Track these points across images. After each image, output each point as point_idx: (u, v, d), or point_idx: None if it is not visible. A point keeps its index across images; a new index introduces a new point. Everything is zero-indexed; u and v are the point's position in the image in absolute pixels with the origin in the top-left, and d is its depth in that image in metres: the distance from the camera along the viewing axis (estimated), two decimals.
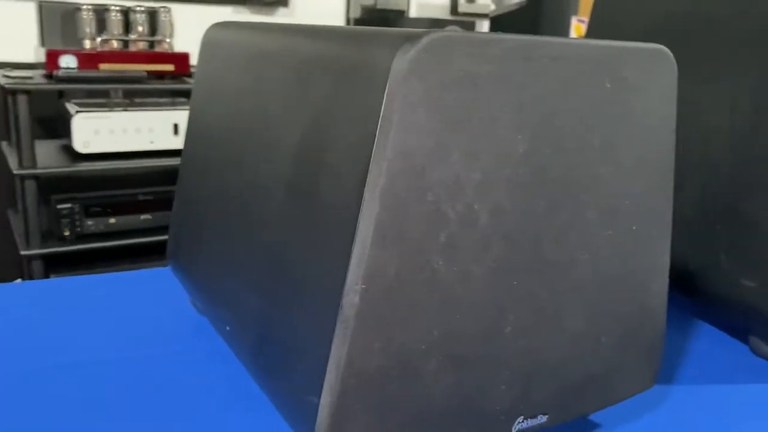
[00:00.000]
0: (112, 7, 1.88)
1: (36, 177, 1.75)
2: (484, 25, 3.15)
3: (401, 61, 0.36)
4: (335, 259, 0.39)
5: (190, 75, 2.04)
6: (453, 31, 0.38)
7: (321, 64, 0.44)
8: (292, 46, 0.49)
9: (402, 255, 0.38)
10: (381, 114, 0.37)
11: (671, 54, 0.46)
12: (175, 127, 1.93)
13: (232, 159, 0.56)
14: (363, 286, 0.38)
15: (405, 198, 0.38)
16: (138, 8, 1.92)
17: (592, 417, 0.57)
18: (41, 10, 1.85)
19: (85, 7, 1.88)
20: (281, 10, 2.75)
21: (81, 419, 0.52)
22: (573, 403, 0.49)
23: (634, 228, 0.48)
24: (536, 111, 0.41)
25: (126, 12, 1.90)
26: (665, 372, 0.65)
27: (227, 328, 0.54)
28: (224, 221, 0.56)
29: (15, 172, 1.71)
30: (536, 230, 0.43)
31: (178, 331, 0.68)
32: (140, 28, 1.96)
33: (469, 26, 2.82)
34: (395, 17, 3.10)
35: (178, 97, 2.06)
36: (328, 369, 0.39)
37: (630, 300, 0.49)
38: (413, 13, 3.12)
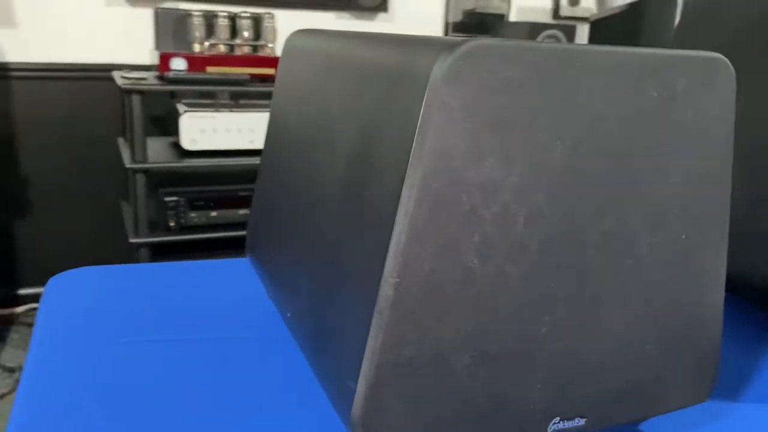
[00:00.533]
0: (220, 14, 2.00)
1: (146, 171, 1.89)
2: (584, 29, 3.08)
3: (440, 68, 0.38)
4: (375, 254, 0.41)
5: None
6: (502, 39, 0.40)
7: (373, 70, 0.47)
8: (353, 53, 0.52)
9: (436, 252, 0.41)
10: (420, 118, 0.39)
11: (729, 63, 0.46)
12: None
13: (300, 159, 0.60)
14: (397, 279, 0.40)
15: (440, 198, 0.40)
16: (244, 14, 2.03)
17: (643, 426, 0.56)
18: (157, 16, 2.00)
19: (195, 13, 2.01)
20: (381, 16, 2.81)
21: (153, 390, 0.57)
22: (614, 409, 0.49)
23: (683, 237, 0.47)
24: (576, 118, 0.42)
25: (233, 18, 2.01)
26: (728, 388, 0.63)
27: (288, 314, 0.58)
28: (292, 217, 0.60)
29: (127, 165, 1.85)
30: (577, 235, 0.44)
31: (252, 317, 0.73)
32: (245, 33, 2.07)
33: (570, 30, 2.76)
34: (494, 21, 3.09)
35: None
36: (365, 357, 0.41)
37: (679, 310, 0.49)
38: (513, 17, 3.10)
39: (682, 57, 0.44)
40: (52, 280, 0.78)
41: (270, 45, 2.15)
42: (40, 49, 2.30)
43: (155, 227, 2.01)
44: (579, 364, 0.46)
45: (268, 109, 2.11)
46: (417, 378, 0.42)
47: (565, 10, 3.14)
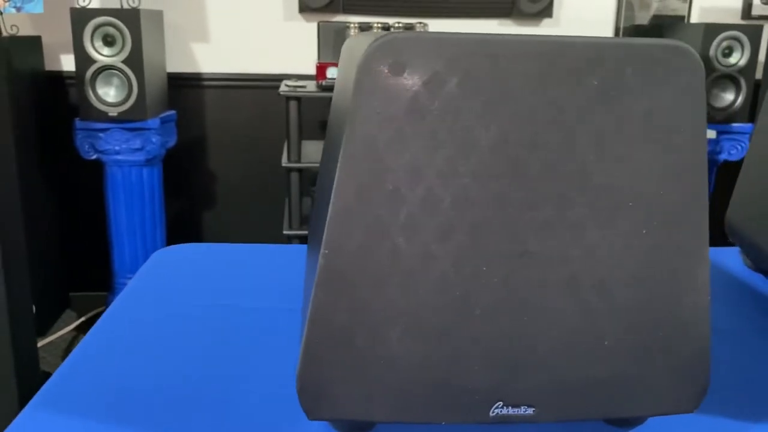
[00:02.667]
0: (375, 25, 2.12)
1: (300, 170, 2.06)
2: None
3: (363, 59, 0.42)
4: (322, 230, 0.46)
5: None
6: (425, 32, 0.43)
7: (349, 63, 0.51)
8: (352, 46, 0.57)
9: (364, 229, 0.44)
10: (350, 106, 0.43)
11: (692, 51, 0.44)
12: None
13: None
14: (326, 251, 0.45)
15: (366, 179, 0.43)
16: (397, 24, 2.13)
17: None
18: (319, 28, 2.17)
19: (352, 25, 2.15)
20: (546, 21, 2.76)
21: (221, 350, 0.67)
22: (569, 403, 0.48)
23: (644, 232, 0.46)
24: (506, 107, 0.43)
25: (387, 28, 2.12)
26: (735, 403, 0.58)
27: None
28: None
29: (283, 164, 2.04)
30: (513, 221, 0.45)
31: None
32: None
33: (755, 31, 2.50)
34: (672, 24, 2.90)
35: None
36: (306, 323, 0.46)
37: (647, 308, 0.47)
38: (696, 18, 2.88)
39: (631, 46, 0.43)
40: (157, 253, 0.92)
41: None
42: (229, 60, 2.60)
43: (305, 221, 2.18)
44: (523, 349, 0.47)
45: None
46: (352, 345, 0.46)
47: (758, 9, 2.84)
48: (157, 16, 2.32)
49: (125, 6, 2.22)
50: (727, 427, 0.55)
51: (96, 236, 2.46)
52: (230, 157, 2.74)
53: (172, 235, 2.52)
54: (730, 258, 0.95)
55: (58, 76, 2.46)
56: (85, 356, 0.64)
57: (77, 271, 2.62)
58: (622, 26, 2.91)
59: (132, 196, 2.27)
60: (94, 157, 2.24)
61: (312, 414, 0.47)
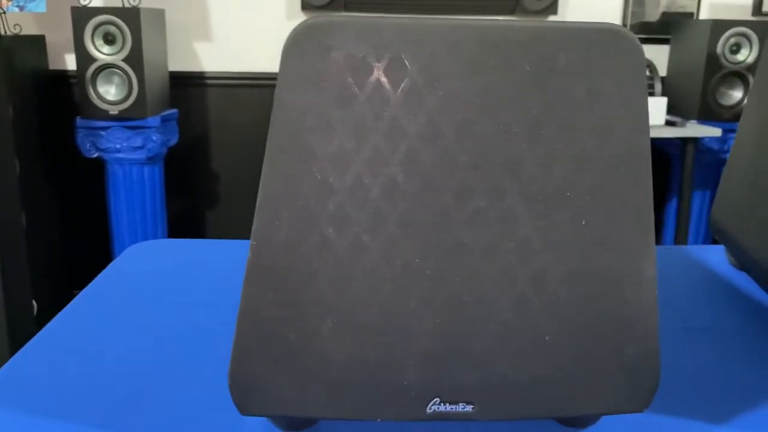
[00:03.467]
0: None
1: None
2: None
3: (287, 43, 0.41)
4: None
5: None
6: (348, 15, 0.42)
7: None
8: None
9: (292, 219, 0.43)
10: (275, 93, 0.42)
11: (630, 34, 0.42)
12: None
13: None
14: (254, 243, 0.43)
15: (293, 168, 0.42)
16: None
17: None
18: None
19: None
20: (551, 18, 2.74)
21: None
22: (510, 401, 0.47)
23: (582, 223, 0.44)
24: (433, 93, 0.42)
25: None
26: (694, 403, 0.56)
27: None
28: None
29: None
30: (444, 212, 0.43)
31: None
32: None
33: (765, 27, 2.46)
34: (680, 21, 2.86)
35: None
36: (239, 313, 0.45)
37: (589, 304, 0.45)
38: (705, 15, 2.83)
39: (564, 30, 0.42)
40: (130, 248, 0.91)
41: None
42: (231, 59, 2.60)
43: None
44: (459, 344, 0.45)
45: None
46: (283, 340, 0.45)
47: None
48: (159, 14, 2.33)
49: (126, 5, 2.23)
50: (698, 428, 0.53)
51: (97, 234, 2.48)
52: (233, 155, 2.74)
53: (173, 234, 2.53)
54: (715, 256, 0.92)
55: (62, 75, 2.48)
56: (36, 349, 0.63)
57: (78, 269, 2.64)
58: (629, 23, 2.88)
59: (133, 194, 2.28)
60: (95, 155, 2.25)
61: (244, 409, 0.46)
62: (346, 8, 2.57)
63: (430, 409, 0.46)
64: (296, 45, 0.41)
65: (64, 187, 2.55)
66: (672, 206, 2.64)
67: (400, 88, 0.41)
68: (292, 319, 0.44)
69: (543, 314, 0.45)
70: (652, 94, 2.27)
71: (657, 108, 2.28)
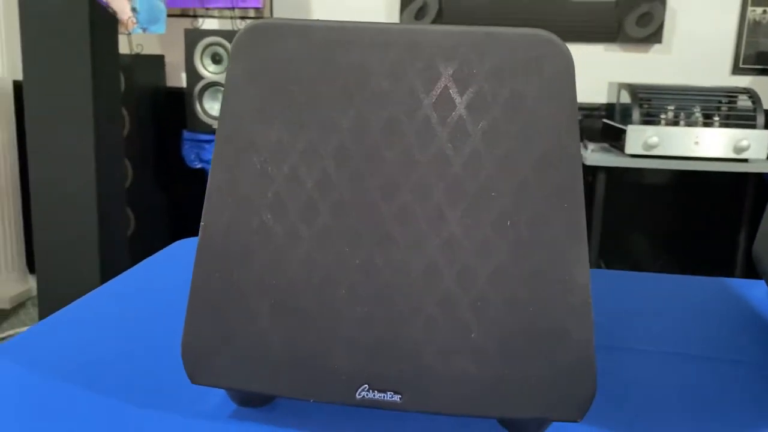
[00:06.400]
0: None
1: None
2: None
3: (234, 42, 0.46)
4: None
5: None
6: (287, 19, 0.45)
7: None
8: None
9: (234, 205, 0.47)
10: (223, 91, 0.47)
11: (558, 40, 0.43)
12: None
13: None
14: (202, 224, 0.48)
15: (235, 158, 0.47)
16: None
17: None
18: None
19: None
20: (656, 47, 2.65)
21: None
22: (438, 396, 0.48)
23: (508, 224, 0.45)
24: (362, 93, 0.44)
25: None
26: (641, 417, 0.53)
27: None
28: None
29: None
30: (372, 205, 0.46)
31: None
32: None
33: None
34: None
35: None
36: (190, 287, 0.50)
37: (516, 306, 0.46)
38: None
39: (488, 35, 0.43)
40: (178, 242, 0.99)
41: None
42: None
43: None
44: (387, 334, 0.47)
45: None
46: (225, 315, 0.49)
47: None
48: None
49: (235, 28, 2.40)
50: None
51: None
52: None
53: None
54: (757, 290, 0.87)
55: (179, 92, 2.69)
56: (61, 320, 0.71)
57: None
58: (743, 53, 2.72)
59: None
60: (198, 165, 2.42)
61: (194, 379, 0.50)
62: None
63: (360, 395, 0.48)
64: (240, 45, 0.45)
65: (170, 193, 2.76)
66: None
67: (332, 86, 0.44)
68: (235, 299, 0.48)
69: (469, 311, 0.46)
70: (753, 126, 2.13)
71: (758, 140, 2.13)
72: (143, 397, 0.56)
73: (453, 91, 0.44)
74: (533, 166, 0.44)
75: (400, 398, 0.48)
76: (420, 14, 2.51)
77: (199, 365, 0.50)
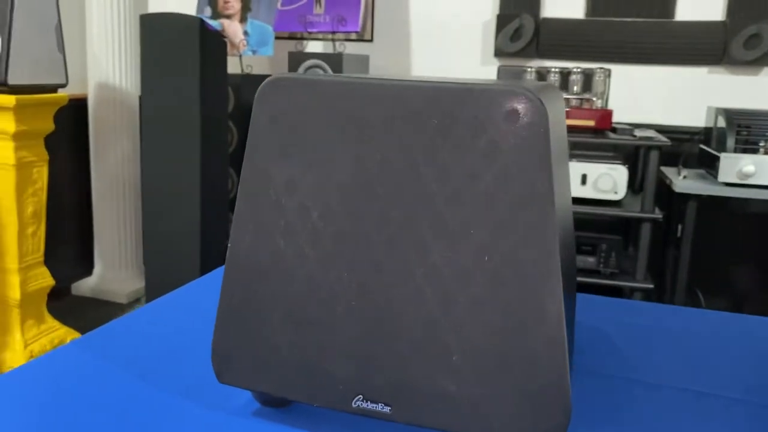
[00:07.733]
0: (552, 69, 2.14)
1: None
2: None
3: (257, 95, 0.54)
4: None
5: (613, 130, 2.13)
6: (302, 74, 0.53)
7: None
8: None
9: (253, 231, 0.55)
10: (249, 130, 0.55)
11: (533, 95, 0.47)
12: (583, 177, 2.06)
13: None
14: (229, 245, 0.56)
15: (255, 191, 0.54)
16: (576, 70, 2.12)
17: None
18: (499, 72, 2.26)
19: (529, 69, 2.20)
20: (765, 70, 2.52)
21: None
22: (425, 410, 0.53)
23: (486, 259, 0.49)
24: (361, 138, 0.51)
25: (567, 74, 2.13)
26: None
27: None
28: None
29: None
30: (367, 234, 0.52)
31: None
32: (575, 88, 2.16)
33: None
34: None
35: (593, 150, 2.17)
36: (220, 295, 0.58)
37: (493, 334, 0.50)
38: None
39: (467, 89, 0.48)
40: None
41: (594, 98, 2.19)
42: None
43: None
44: (379, 349, 0.53)
45: (579, 160, 2.16)
46: (245, 323, 0.57)
47: None
48: (363, 60, 2.60)
49: (335, 51, 2.53)
50: None
51: None
52: None
53: None
54: None
55: None
56: (138, 317, 0.82)
57: None
58: None
59: None
60: None
61: (220, 377, 0.58)
62: (539, 55, 2.63)
63: (355, 404, 0.54)
64: (262, 96, 0.53)
65: None
66: None
67: (335, 132, 0.51)
68: (253, 309, 0.56)
69: (450, 334, 0.51)
70: None
71: None
72: (183, 390, 0.65)
73: (437, 139, 0.49)
74: (508, 207, 0.49)
75: (390, 410, 0.54)
76: (516, 35, 2.54)
77: (224, 366, 0.58)
